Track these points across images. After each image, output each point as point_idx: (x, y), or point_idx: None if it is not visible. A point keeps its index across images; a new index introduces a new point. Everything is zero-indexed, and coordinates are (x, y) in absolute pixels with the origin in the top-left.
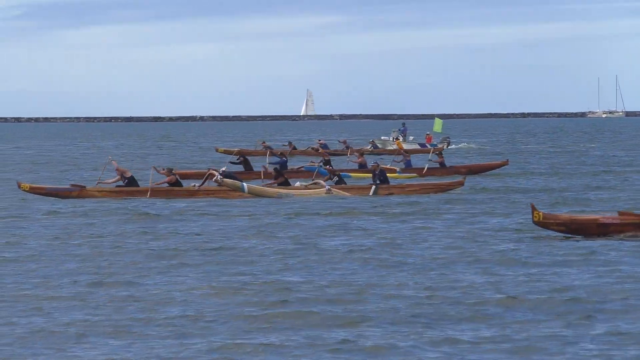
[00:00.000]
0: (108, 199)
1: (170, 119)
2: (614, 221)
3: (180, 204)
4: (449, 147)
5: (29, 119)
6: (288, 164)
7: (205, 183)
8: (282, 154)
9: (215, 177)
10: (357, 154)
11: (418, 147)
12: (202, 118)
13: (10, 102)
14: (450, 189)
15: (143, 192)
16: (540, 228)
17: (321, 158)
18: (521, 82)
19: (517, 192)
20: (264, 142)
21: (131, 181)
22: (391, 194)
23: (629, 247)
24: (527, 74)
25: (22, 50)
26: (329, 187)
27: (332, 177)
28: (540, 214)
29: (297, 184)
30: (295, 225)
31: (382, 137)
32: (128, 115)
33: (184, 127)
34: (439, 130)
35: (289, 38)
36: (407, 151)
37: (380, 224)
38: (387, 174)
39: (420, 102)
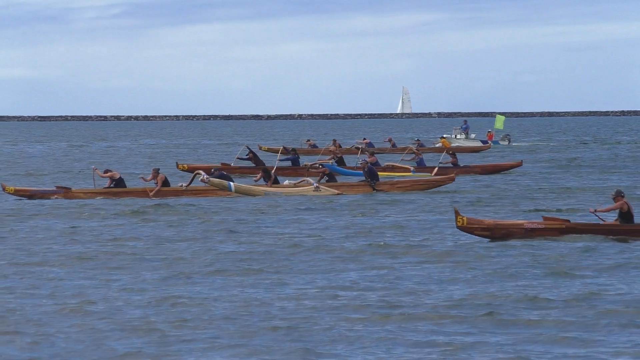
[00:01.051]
0: (102, 198)
1: (269, 117)
2: (539, 226)
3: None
4: (509, 145)
5: (129, 117)
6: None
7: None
8: (294, 151)
9: (201, 177)
10: (367, 153)
11: (480, 144)
12: (300, 116)
13: (109, 100)
14: (441, 185)
15: (141, 193)
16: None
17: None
18: (622, 80)
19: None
20: (309, 140)
21: (119, 183)
22: (381, 190)
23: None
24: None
25: (122, 48)
26: (316, 184)
27: (322, 176)
28: (464, 218)
29: (286, 182)
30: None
31: (444, 135)
32: (227, 113)
33: (282, 125)
34: (501, 127)
35: (387, 36)
36: (457, 149)
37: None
38: (402, 173)
39: (520, 100)
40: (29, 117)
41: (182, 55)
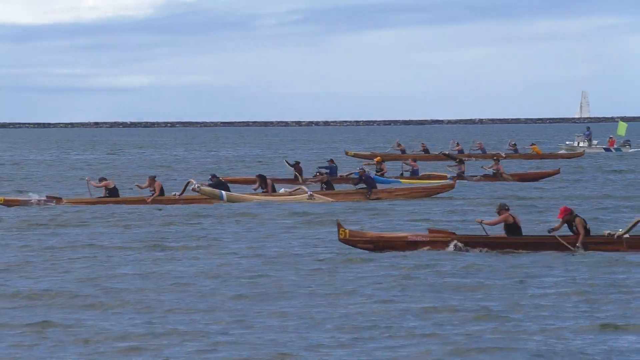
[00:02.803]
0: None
1: (449, 121)
2: (424, 239)
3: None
4: (630, 150)
5: (309, 123)
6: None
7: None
8: (331, 161)
9: (193, 186)
10: (410, 159)
11: (603, 151)
12: (481, 121)
13: (290, 106)
14: (440, 192)
15: (133, 202)
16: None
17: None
18: None
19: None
20: (400, 145)
21: (113, 192)
22: (379, 198)
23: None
24: None
25: (303, 54)
26: (310, 192)
27: (322, 184)
28: (347, 231)
29: (282, 190)
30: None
31: (566, 142)
32: (407, 118)
33: (461, 130)
34: (623, 134)
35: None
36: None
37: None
38: (437, 180)
39: None
40: (212, 122)
41: (362, 60)
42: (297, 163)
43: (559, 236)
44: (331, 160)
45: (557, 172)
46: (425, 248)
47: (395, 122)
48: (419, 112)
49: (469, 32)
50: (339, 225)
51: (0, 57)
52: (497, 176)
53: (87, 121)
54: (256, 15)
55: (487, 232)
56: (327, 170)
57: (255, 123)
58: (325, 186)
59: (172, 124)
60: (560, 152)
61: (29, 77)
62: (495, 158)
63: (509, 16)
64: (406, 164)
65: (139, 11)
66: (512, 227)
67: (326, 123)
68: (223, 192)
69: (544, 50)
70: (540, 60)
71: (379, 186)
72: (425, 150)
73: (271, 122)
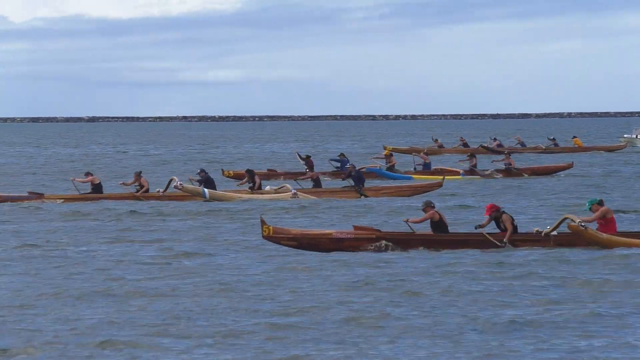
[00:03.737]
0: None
1: (537, 115)
2: (348, 236)
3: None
4: None
5: (397, 117)
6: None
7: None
8: (341, 155)
9: (175, 183)
10: (422, 154)
11: None
12: (569, 114)
13: (377, 100)
14: (428, 191)
15: (116, 199)
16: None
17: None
18: None
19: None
20: (437, 140)
21: (97, 188)
22: (365, 196)
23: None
24: None
25: (390, 48)
26: (295, 190)
27: (312, 180)
28: (270, 228)
29: (267, 187)
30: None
31: (624, 135)
32: (495, 112)
33: (549, 124)
34: None
35: None
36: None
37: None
38: (450, 176)
39: None
40: (299, 117)
41: (449, 54)
42: (308, 157)
43: (486, 233)
44: (342, 154)
45: (570, 166)
46: (350, 245)
47: (483, 115)
48: (507, 106)
49: (556, 25)
50: (263, 222)
51: (90, 52)
52: (510, 171)
53: (175, 115)
54: (344, 9)
55: (414, 230)
56: (338, 164)
57: (342, 117)
58: (314, 183)
59: (260, 118)
60: (619, 144)
61: (119, 72)
62: (506, 152)
63: (597, 10)
64: (420, 156)
65: (227, 5)
66: (439, 225)
67: (414, 117)
68: (206, 190)
69: (633, 44)
70: (631, 53)
71: (387, 182)
72: (465, 145)
73: (359, 116)
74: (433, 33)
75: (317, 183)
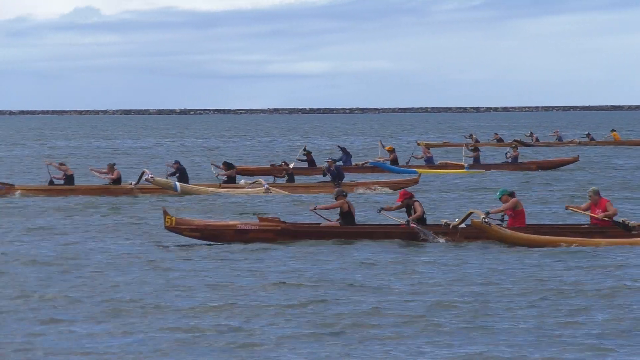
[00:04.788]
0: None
1: (630, 107)
2: (253, 227)
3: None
4: None
5: (488, 109)
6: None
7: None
8: (344, 150)
9: (147, 176)
10: (424, 147)
11: None
12: None
13: (468, 92)
14: (406, 187)
15: (85, 191)
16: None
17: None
18: None
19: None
20: (472, 135)
21: (69, 179)
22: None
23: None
24: None
25: (480, 40)
26: (267, 185)
27: (283, 175)
28: (173, 219)
29: (242, 181)
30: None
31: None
32: (586, 104)
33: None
34: None
35: None
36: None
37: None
38: (454, 170)
39: None
40: (390, 109)
41: (539, 45)
42: (309, 153)
43: (390, 216)
44: (344, 149)
45: (576, 160)
46: (254, 237)
47: (574, 107)
48: (598, 98)
49: None
50: (165, 213)
51: (181, 44)
52: (516, 164)
53: (266, 107)
54: (434, 1)
55: (324, 217)
56: (338, 159)
57: (433, 109)
58: (287, 177)
59: (351, 110)
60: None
61: (209, 64)
62: (513, 145)
63: None
64: (424, 150)
65: None
66: (347, 215)
67: (505, 109)
68: (177, 183)
69: None
70: None
71: (393, 176)
72: (499, 140)
73: (449, 108)
74: (523, 24)
75: (290, 178)
